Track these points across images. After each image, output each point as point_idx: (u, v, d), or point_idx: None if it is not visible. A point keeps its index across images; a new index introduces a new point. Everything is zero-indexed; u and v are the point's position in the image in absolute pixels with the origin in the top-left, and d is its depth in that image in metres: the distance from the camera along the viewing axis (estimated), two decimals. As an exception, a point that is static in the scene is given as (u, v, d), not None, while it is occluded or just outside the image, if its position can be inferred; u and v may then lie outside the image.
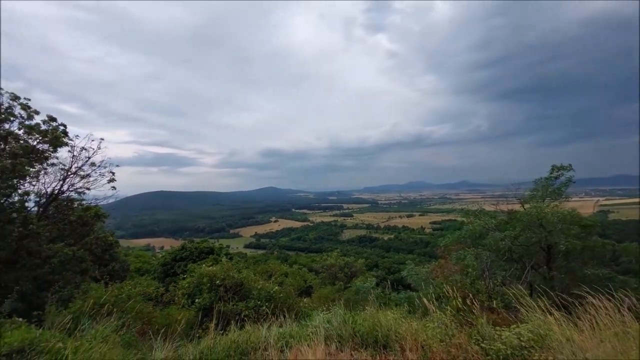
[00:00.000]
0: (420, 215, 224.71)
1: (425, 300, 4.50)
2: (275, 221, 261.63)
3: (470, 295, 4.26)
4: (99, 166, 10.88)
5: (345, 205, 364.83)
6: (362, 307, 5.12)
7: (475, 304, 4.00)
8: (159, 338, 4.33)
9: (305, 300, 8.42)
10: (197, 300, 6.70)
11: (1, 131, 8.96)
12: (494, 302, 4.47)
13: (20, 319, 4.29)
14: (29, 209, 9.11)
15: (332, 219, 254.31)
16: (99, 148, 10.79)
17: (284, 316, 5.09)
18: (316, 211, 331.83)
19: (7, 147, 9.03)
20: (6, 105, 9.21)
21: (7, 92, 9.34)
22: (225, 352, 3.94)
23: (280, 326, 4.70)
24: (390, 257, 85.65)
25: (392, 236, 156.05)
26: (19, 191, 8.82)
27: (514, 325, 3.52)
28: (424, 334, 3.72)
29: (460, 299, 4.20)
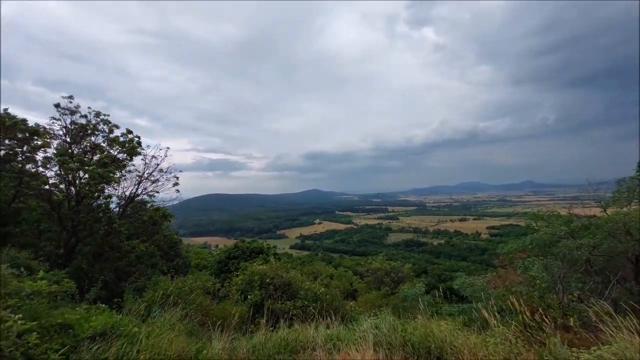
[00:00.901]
0: (474, 219, 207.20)
1: (485, 312, 4.10)
2: (319, 223, 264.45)
3: (540, 310, 3.77)
4: (166, 172, 12.18)
5: (390, 208, 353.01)
6: (412, 315, 4.87)
7: (547, 321, 3.52)
8: (216, 329, 4.64)
9: (351, 303, 8.31)
10: (249, 296, 7.05)
11: (90, 143, 10.62)
12: (570, 319, 3.89)
13: (104, 305, 4.87)
14: (112, 209, 10.59)
15: (376, 221, 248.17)
16: (166, 156, 12.12)
17: (331, 318, 5.08)
18: (360, 213, 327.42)
19: (94, 157, 10.64)
20: (93, 121, 10.86)
21: (92, 110, 11.06)
22: (276, 349, 4.07)
23: (328, 327, 4.70)
24: (440, 264, 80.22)
25: (442, 241, 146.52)
26: (104, 194, 10.30)
27: (595, 347, 3.03)
28: (484, 349, 3.39)
29: (527, 314, 3.74)
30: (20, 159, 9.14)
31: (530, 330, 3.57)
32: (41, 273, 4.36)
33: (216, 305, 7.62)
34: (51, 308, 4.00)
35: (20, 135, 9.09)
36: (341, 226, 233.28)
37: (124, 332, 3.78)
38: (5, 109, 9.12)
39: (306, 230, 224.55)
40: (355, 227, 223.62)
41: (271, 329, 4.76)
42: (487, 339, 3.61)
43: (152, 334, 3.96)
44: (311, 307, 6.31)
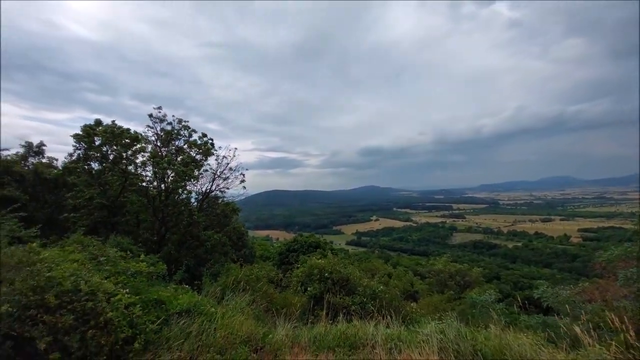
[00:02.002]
0: (562, 219, 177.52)
1: (576, 328, 3.47)
2: (375, 220, 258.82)
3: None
4: (234, 170, 13.53)
5: (454, 205, 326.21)
6: (483, 324, 4.40)
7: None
8: (280, 317, 4.90)
9: (412, 304, 7.90)
10: (309, 288, 7.21)
11: (175, 146, 12.32)
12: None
13: (187, 287, 5.52)
14: (191, 203, 12.10)
15: (439, 220, 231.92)
16: (234, 156, 13.40)
17: (391, 317, 4.91)
18: (420, 211, 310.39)
19: (178, 158, 12.26)
20: (176, 127, 12.51)
21: (176, 117, 12.74)
22: (336, 342, 4.11)
23: (388, 327, 4.55)
24: (516, 270, 71.03)
25: (519, 244, 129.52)
26: (186, 190, 11.81)
27: None
28: (576, 371, 2.86)
29: (631, 333, 3.05)
30: (124, 161, 11.07)
31: (634, 352, 2.91)
32: (142, 256, 5.18)
33: (279, 294, 8.04)
34: (149, 286, 4.70)
35: (125, 142, 11.01)
36: (399, 223, 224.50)
37: (204, 310, 4.27)
38: (113, 121, 11.18)
39: (362, 227, 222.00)
40: (415, 225, 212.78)
41: (330, 321, 4.82)
42: (578, 359, 3.05)
43: (226, 314, 4.39)
44: (370, 305, 6.18)
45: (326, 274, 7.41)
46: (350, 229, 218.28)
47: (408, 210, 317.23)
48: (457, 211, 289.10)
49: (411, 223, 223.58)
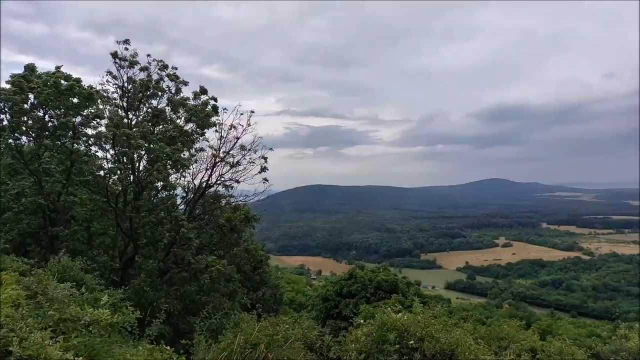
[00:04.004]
0: None
1: None
2: (505, 245, 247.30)
3: None
4: (249, 150, 13.83)
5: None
6: None
7: None
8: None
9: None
10: (379, 367, 7.20)
11: (153, 109, 13.00)
12: None
13: (169, 348, 5.81)
14: (178, 207, 12.76)
15: (638, 249, 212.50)
16: (249, 125, 13.60)
17: None
18: (598, 230, 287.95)
19: (155, 128, 12.92)
20: (155, 77, 13.15)
21: (154, 60, 13.22)
22: None
23: None
24: None
25: None
26: (169, 184, 12.49)
27: None
28: None
29: None
30: (70, 134, 11.96)
31: None
32: (105, 297, 5.59)
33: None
34: (109, 345, 5.06)
35: (74, 101, 11.93)
36: (554, 253, 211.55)
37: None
38: (58, 67, 12.09)
39: (479, 257, 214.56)
40: (587, 257, 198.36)
41: None
42: None
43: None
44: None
45: (411, 342, 7.32)
46: (455, 260, 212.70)
47: (573, 229, 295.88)
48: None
49: (580, 254, 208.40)
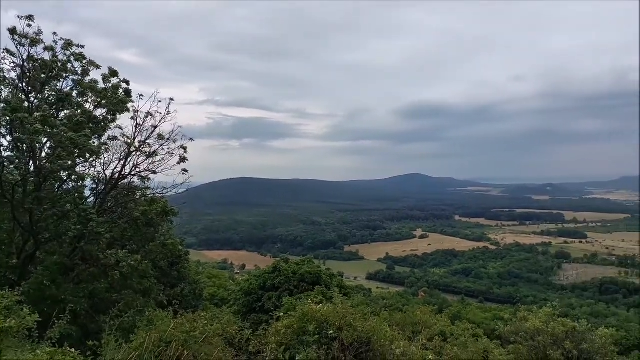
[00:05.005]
0: None
1: None
2: (422, 236, 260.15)
3: None
4: (168, 139, 13.24)
5: (567, 214, 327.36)
6: None
7: None
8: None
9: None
10: (298, 357, 7.24)
11: (57, 91, 12.02)
12: None
13: (73, 351, 5.47)
14: (85, 199, 11.94)
15: (538, 239, 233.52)
16: (168, 113, 13.04)
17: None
18: (504, 222, 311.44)
19: (60, 113, 11.98)
20: (61, 57, 12.18)
21: (61, 38, 12.25)
22: None
23: None
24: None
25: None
26: (75, 174, 11.65)
27: None
28: None
29: None
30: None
31: None
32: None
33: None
34: (2, 349, 4.63)
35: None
36: (465, 244, 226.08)
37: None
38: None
39: (398, 249, 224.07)
40: (494, 247, 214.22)
41: None
42: None
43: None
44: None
45: (331, 332, 7.47)
46: (376, 251, 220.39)
47: (482, 221, 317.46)
48: (572, 225, 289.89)
49: (487, 244, 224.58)
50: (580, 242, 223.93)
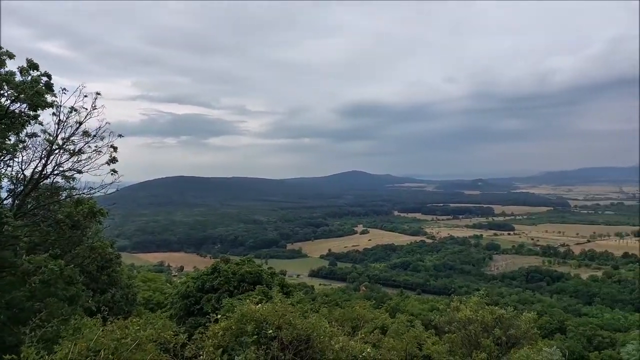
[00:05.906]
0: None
1: None
2: (363, 232, 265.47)
3: None
4: (95, 136, 12.70)
5: (497, 208, 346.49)
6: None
7: None
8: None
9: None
10: (236, 358, 7.19)
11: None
12: None
13: None
14: (1, 201, 11.12)
15: (470, 232, 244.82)
16: (94, 108, 12.49)
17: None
18: (439, 217, 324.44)
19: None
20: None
21: None
22: None
23: None
24: (594, 316, 78.80)
25: (598, 272, 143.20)
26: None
27: None
28: None
29: None
30: None
31: None
32: None
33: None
34: None
35: None
36: (404, 239, 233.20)
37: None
38: None
39: (339, 245, 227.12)
40: (431, 241, 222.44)
41: None
42: None
43: None
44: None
45: (270, 331, 7.49)
46: (318, 248, 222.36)
47: (419, 216, 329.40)
48: (500, 218, 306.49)
49: (424, 238, 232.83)
50: (509, 234, 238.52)
